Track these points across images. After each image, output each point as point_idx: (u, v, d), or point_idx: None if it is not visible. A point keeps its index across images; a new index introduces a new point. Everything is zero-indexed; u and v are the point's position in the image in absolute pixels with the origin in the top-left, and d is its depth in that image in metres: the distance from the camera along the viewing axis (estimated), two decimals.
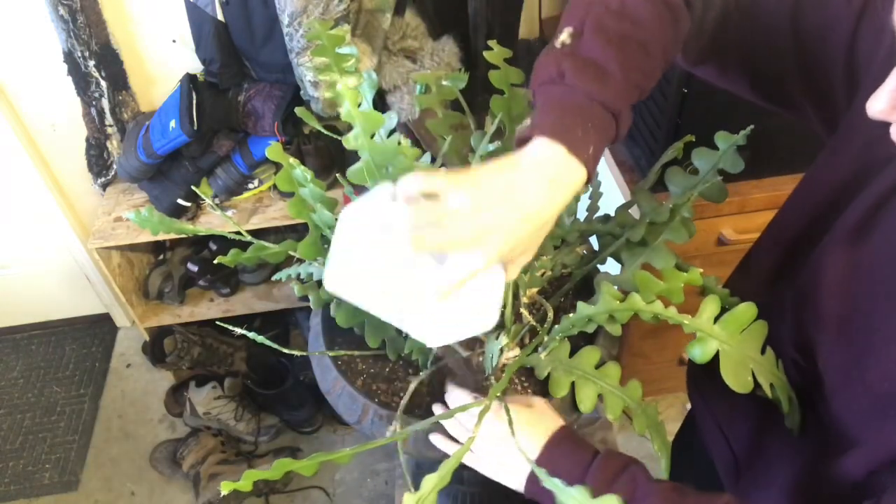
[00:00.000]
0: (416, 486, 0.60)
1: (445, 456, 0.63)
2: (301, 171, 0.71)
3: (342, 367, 0.84)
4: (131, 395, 2.00)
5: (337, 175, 0.83)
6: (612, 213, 0.86)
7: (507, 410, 0.68)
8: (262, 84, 1.57)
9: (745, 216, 1.20)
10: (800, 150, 1.10)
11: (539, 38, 1.65)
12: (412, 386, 0.78)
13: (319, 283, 0.80)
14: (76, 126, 1.66)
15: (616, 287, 0.66)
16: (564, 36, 0.55)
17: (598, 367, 0.76)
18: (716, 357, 0.63)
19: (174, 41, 1.60)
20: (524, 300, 0.85)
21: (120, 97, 1.63)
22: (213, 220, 1.68)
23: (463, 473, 0.87)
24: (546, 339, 0.78)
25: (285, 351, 0.81)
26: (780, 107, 0.68)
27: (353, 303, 0.55)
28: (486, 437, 0.68)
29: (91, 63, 1.52)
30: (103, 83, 1.57)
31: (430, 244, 0.47)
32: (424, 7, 1.47)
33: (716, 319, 0.63)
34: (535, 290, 0.86)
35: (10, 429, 1.96)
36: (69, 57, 1.51)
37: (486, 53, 0.82)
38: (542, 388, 0.79)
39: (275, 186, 1.71)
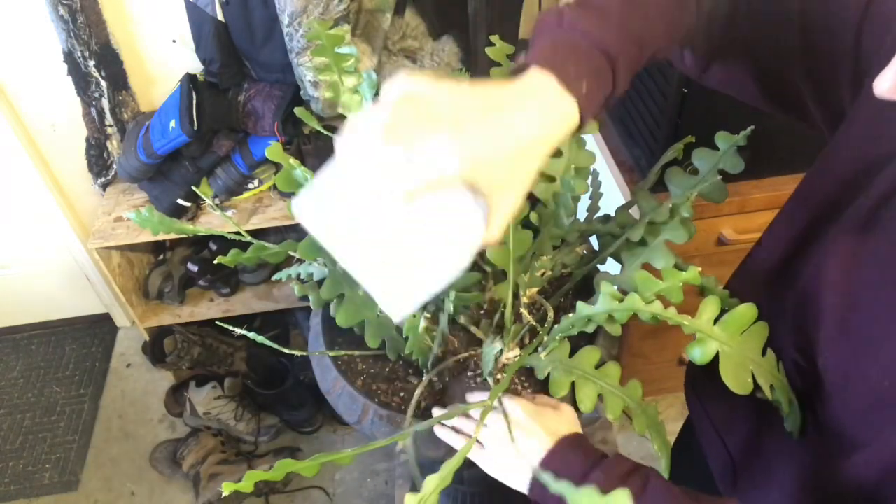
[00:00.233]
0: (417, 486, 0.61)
1: (447, 456, 0.63)
2: (301, 172, 0.71)
3: (342, 367, 0.84)
4: (131, 395, 2.00)
5: None
6: (612, 213, 0.86)
7: (506, 414, 0.68)
8: (262, 84, 1.58)
9: (745, 216, 1.20)
10: (800, 150, 1.10)
11: None
12: (418, 391, 0.78)
13: (319, 283, 0.80)
14: (76, 126, 1.65)
15: (616, 287, 0.66)
16: None
17: (597, 367, 0.76)
18: (715, 360, 0.63)
19: (174, 41, 1.60)
20: (524, 300, 0.85)
21: (120, 97, 1.63)
22: (213, 220, 1.68)
23: (464, 473, 0.87)
24: (546, 339, 0.78)
25: (285, 351, 0.81)
26: (785, 109, 0.68)
27: (316, 238, 0.52)
28: (494, 435, 0.68)
29: (91, 63, 1.52)
30: (103, 83, 1.57)
31: (403, 135, 0.44)
32: (424, 7, 1.47)
33: (716, 320, 0.63)
34: (535, 290, 0.86)
35: (10, 429, 1.96)
36: (69, 57, 1.51)
37: (488, 49, 0.82)
38: (542, 388, 0.79)
39: (275, 186, 1.70)
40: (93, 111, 1.61)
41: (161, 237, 1.89)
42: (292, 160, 0.72)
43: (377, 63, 1.42)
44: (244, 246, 0.80)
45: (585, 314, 0.68)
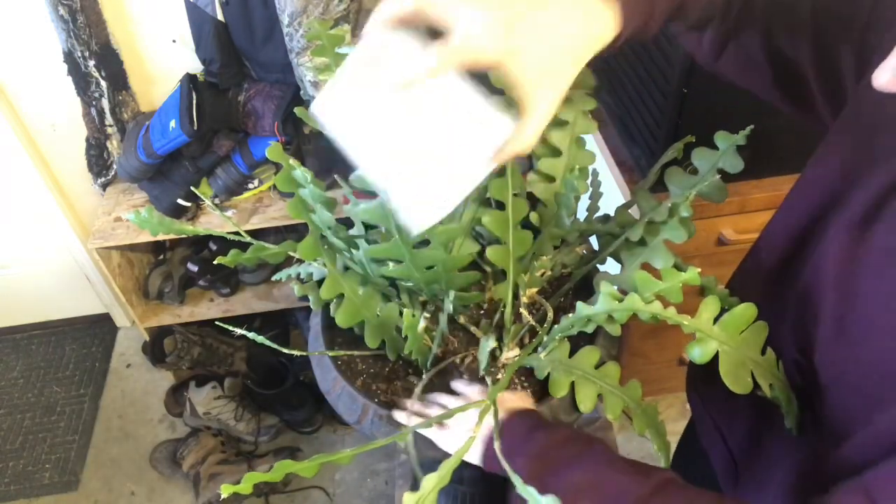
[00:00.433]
0: (417, 486, 0.61)
1: (446, 456, 0.63)
2: (301, 172, 0.71)
3: (342, 367, 0.84)
4: (131, 395, 2.00)
5: (336, 176, 0.83)
6: (612, 213, 0.86)
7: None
8: (262, 84, 1.57)
9: (745, 216, 1.20)
10: (800, 150, 1.09)
11: None
12: (417, 390, 0.78)
13: (319, 283, 0.80)
14: (76, 126, 1.65)
15: (615, 287, 0.66)
16: None
17: (597, 367, 0.76)
18: (715, 359, 0.63)
19: (174, 41, 1.60)
20: (524, 300, 0.85)
21: (120, 97, 1.63)
22: (213, 221, 1.68)
23: (463, 473, 0.88)
24: (546, 339, 0.78)
25: (285, 351, 0.81)
26: (792, 99, 0.68)
27: (336, 137, 0.50)
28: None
29: (91, 63, 1.52)
30: (103, 83, 1.57)
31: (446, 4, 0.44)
32: None
33: (716, 320, 0.63)
34: (534, 290, 0.86)
35: (10, 429, 1.96)
36: (69, 57, 1.51)
37: None
38: (541, 388, 0.79)
39: (275, 186, 1.71)
40: (93, 111, 1.61)
41: (161, 237, 1.89)
42: (292, 160, 0.72)
43: None
44: (244, 246, 0.80)
45: (585, 314, 0.68)
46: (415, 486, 0.60)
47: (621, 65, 1.25)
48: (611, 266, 0.84)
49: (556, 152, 0.86)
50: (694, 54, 0.71)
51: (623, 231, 0.80)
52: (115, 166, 1.73)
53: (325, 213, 0.73)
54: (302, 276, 0.86)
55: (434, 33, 0.48)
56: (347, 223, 0.80)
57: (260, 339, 0.77)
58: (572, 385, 0.75)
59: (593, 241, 0.91)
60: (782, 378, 0.65)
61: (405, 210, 0.51)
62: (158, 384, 2.01)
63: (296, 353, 0.81)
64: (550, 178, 0.87)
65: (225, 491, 0.53)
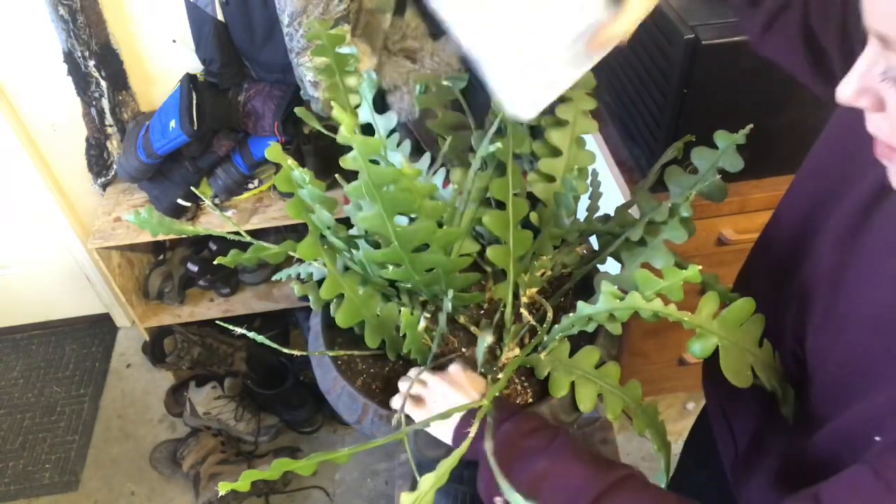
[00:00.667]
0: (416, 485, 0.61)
1: (445, 455, 0.63)
2: (300, 172, 0.71)
3: (342, 366, 0.84)
4: (131, 395, 2.00)
5: (336, 176, 0.83)
6: (612, 213, 0.86)
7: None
8: (262, 84, 1.57)
9: (745, 216, 1.20)
10: (800, 150, 1.10)
11: None
12: (406, 385, 0.78)
13: (319, 283, 0.80)
14: (76, 126, 1.66)
15: (616, 286, 0.66)
16: None
17: (597, 366, 0.76)
18: None
19: (174, 41, 1.60)
20: (524, 300, 0.85)
21: (120, 97, 1.63)
22: (213, 221, 1.68)
23: (462, 473, 0.88)
24: (546, 338, 0.78)
25: (285, 351, 0.81)
26: (824, 82, 0.68)
27: (447, 21, 0.52)
28: (433, 393, 0.74)
29: (91, 63, 1.52)
30: (103, 83, 1.57)
31: None
32: (424, 7, 1.47)
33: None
34: (534, 290, 0.86)
35: (10, 429, 1.96)
36: (69, 57, 1.51)
37: None
38: (542, 387, 0.79)
39: (275, 186, 1.70)
40: (93, 111, 1.61)
41: (161, 237, 1.89)
42: (291, 160, 0.72)
43: (377, 63, 1.42)
44: (244, 246, 0.80)
45: (586, 313, 0.68)
46: (414, 486, 0.60)
47: (621, 65, 1.25)
48: (611, 266, 0.84)
49: (556, 152, 0.86)
50: (744, 30, 0.73)
51: (623, 231, 0.80)
52: (115, 166, 1.73)
53: (324, 213, 0.73)
54: (302, 276, 0.86)
55: None
56: (347, 223, 0.80)
57: (260, 339, 0.77)
58: (572, 385, 0.75)
59: (593, 240, 0.91)
60: (779, 368, 0.67)
61: (509, 98, 0.53)
62: (158, 384, 2.01)
63: (296, 353, 0.81)
64: (550, 178, 0.87)
65: (223, 488, 0.53)
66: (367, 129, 0.87)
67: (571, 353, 0.77)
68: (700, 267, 0.62)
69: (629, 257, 0.79)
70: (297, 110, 0.85)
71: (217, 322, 0.91)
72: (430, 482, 0.59)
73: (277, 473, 0.55)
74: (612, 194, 1.26)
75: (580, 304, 0.69)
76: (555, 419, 0.76)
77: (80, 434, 1.93)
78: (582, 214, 0.86)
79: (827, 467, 0.59)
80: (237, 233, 0.83)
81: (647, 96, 1.15)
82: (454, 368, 0.77)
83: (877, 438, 0.53)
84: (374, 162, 0.62)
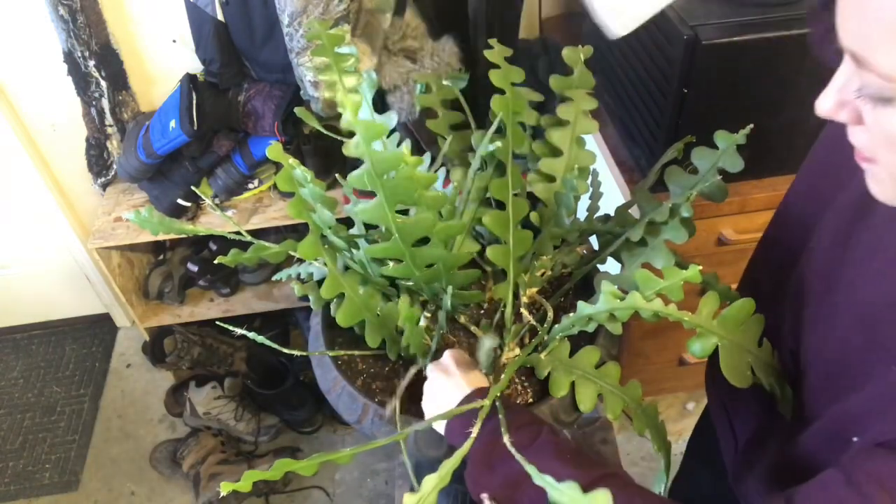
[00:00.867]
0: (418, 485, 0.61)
1: (446, 456, 0.63)
2: (301, 172, 0.71)
3: (342, 366, 0.84)
4: (131, 395, 2.00)
5: (337, 175, 0.83)
6: (612, 213, 0.86)
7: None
8: (262, 84, 1.57)
9: (745, 216, 1.20)
10: (800, 150, 1.10)
11: (539, 37, 1.65)
12: (411, 371, 0.78)
13: (319, 283, 0.80)
14: (76, 126, 1.65)
15: (616, 286, 0.66)
16: None
17: (597, 366, 0.76)
18: None
19: (174, 41, 1.60)
20: (524, 300, 0.85)
21: (120, 97, 1.63)
22: (213, 220, 1.68)
23: (462, 472, 0.87)
24: (546, 338, 0.78)
25: (285, 351, 0.81)
26: None
27: None
28: (430, 385, 0.75)
29: (91, 63, 1.52)
30: (103, 83, 1.57)
31: None
32: (424, 7, 1.47)
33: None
34: (535, 290, 0.86)
35: (10, 429, 1.96)
36: (69, 57, 1.51)
37: (486, 52, 0.82)
38: (542, 387, 0.79)
39: (275, 186, 1.71)
40: (93, 111, 1.61)
41: (161, 237, 1.89)
42: (292, 160, 0.72)
43: (377, 63, 1.42)
44: (244, 246, 0.80)
45: (587, 313, 0.68)
46: (413, 487, 0.60)
47: (621, 65, 1.25)
48: (611, 266, 0.84)
49: (556, 152, 0.86)
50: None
51: (623, 231, 0.80)
52: (115, 166, 1.73)
53: (325, 213, 0.73)
54: (302, 276, 0.86)
55: None
56: (347, 223, 0.80)
57: (260, 339, 0.77)
58: (572, 385, 0.75)
59: (593, 240, 0.91)
60: (778, 367, 0.67)
61: (606, 15, 0.53)
62: (158, 384, 2.01)
63: (296, 353, 0.81)
64: (550, 178, 0.87)
65: (224, 489, 0.53)
66: None
67: (571, 353, 0.77)
68: (700, 267, 0.62)
69: (629, 257, 0.79)
70: (297, 110, 0.85)
71: (217, 322, 0.92)
72: (432, 483, 0.59)
73: (279, 474, 0.55)
74: (612, 194, 1.26)
75: (580, 303, 0.69)
76: (555, 419, 0.76)
77: (80, 434, 1.93)
78: (582, 214, 0.86)
79: (814, 466, 0.59)
80: (237, 232, 0.83)
81: (647, 96, 1.15)
82: (445, 355, 0.77)
83: (854, 439, 0.53)
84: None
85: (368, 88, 0.85)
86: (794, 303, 0.66)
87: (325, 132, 0.88)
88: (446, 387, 0.73)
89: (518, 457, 0.60)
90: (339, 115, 0.76)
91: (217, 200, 1.66)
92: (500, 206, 0.82)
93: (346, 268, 0.80)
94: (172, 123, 1.47)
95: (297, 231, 1.83)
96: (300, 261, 0.83)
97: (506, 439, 0.64)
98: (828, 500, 0.50)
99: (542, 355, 0.77)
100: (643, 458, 1.72)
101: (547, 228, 0.86)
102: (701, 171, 0.77)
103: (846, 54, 0.43)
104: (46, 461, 1.88)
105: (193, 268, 1.89)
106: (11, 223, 1.88)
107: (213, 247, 1.91)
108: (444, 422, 0.71)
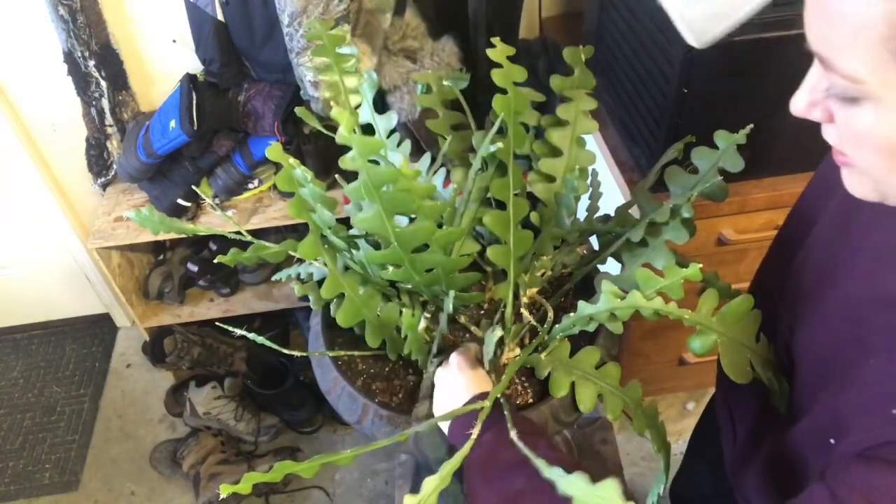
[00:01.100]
0: (417, 486, 0.61)
1: (446, 457, 0.63)
2: (301, 172, 0.71)
3: (342, 367, 0.84)
4: (131, 395, 2.00)
5: (336, 176, 0.83)
6: (612, 213, 0.86)
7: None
8: (262, 84, 1.57)
9: (745, 216, 1.20)
10: (800, 150, 1.10)
11: (539, 37, 1.65)
12: (426, 379, 0.78)
13: (319, 283, 0.80)
14: (76, 126, 1.65)
15: (616, 286, 0.66)
16: None
17: (598, 367, 0.76)
18: None
19: (174, 41, 1.60)
20: (524, 300, 0.85)
21: (120, 97, 1.63)
22: (213, 220, 1.68)
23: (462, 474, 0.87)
24: (546, 338, 0.78)
25: (285, 351, 0.81)
26: None
27: None
28: (438, 388, 0.75)
29: (91, 63, 1.52)
30: (103, 83, 1.57)
31: None
32: (424, 7, 1.47)
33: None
34: (535, 290, 0.86)
35: (10, 429, 1.96)
36: (69, 57, 1.51)
37: (488, 51, 0.82)
38: (542, 387, 0.79)
39: (275, 186, 1.70)
40: (93, 111, 1.61)
41: (161, 237, 1.89)
42: (292, 160, 0.72)
43: (377, 63, 1.42)
44: (244, 246, 0.80)
45: (587, 313, 0.68)
46: (415, 488, 0.60)
47: (621, 65, 1.25)
48: (611, 266, 0.84)
49: (556, 152, 0.86)
50: None
51: (623, 231, 0.80)
52: (115, 166, 1.73)
53: (325, 213, 0.73)
54: (302, 276, 0.86)
55: None
56: (347, 223, 0.80)
57: (260, 339, 0.77)
58: (572, 385, 0.75)
59: (593, 241, 0.91)
60: (775, 362, 0.68)
61: (689, 25, 0.54)
62: (158, 384, 2.00)
63: (296, 353, 0.81)
64: (550, 178, 0.87)
65: (224, 491, 0.53)
66: (368, 129, 0.87)
67: (572, 354, 0.77)
68: (700, 265, 0.62)
69: (630, 258, 0.79)
70: (297, 110, 0.85)
71: (217, 322, 0.92)
72: (433, 485, 0.59)
73: (279, 476, 0.55)
74: (612, 194, 1.26)
75: (581, 303, 0.69)
76: (555, 419, 0.76)
77: (80, 434, 1.93)
78: (582, 214, 0.86)
79: (805, 462, 0.60)
80: (237, 232, 0.83)
81: (647, 96, 1.15)
82: (451, 357, 0.77)
83: (832, 441, 0.54)
84: (374, 162, 0.62)
85: (368, 88, 0.85)
86: (792, 296, 0.67)
87: (325, 132, 0.88)
88: (452, 388, 0.73)
89: (526, 451, 0.60)
90: None
91: (217, 200, 1.66)
92: (501, 206, 0.82)
93: (346, 268, 0.80)
94: (172, 123, 1.47)
95: (297, 231, 1.83)
96: (300, 261, 0.83)
97: (513, 434, 0.64)
98: None
99: (543, 355, 0.77)
100: (643, 458, 1.72)
101: (547, 229, 0.86)
102: (701, 171, 0.77)
103: (816, 57, 0.44)
104: (46, 461, 1.88)
105: (193, 268, 1.89)
106: (11, 223, 1.88)
107: (213, 247, 1.91)
108: (448, 423, 0.71)
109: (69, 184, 1.81)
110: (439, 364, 0.80)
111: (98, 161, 1.71)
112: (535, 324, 0.82)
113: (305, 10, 1.32)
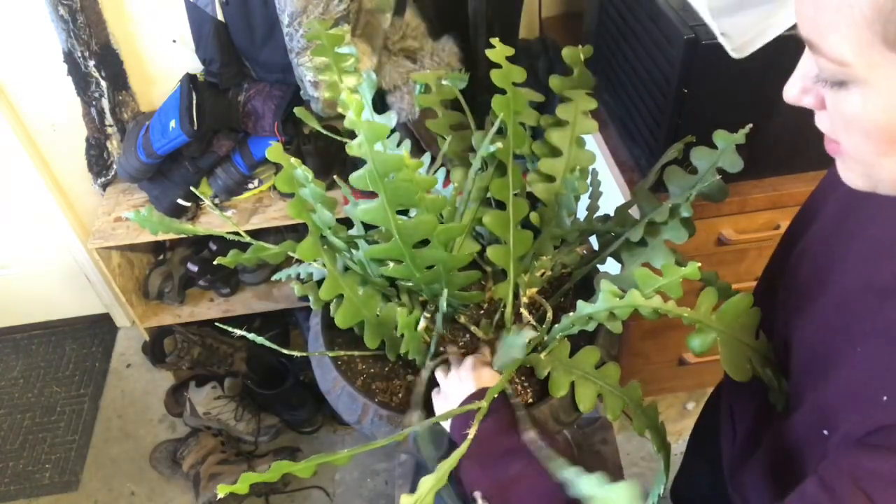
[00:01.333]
0: (415, 486, 0.61)
1: (445, 456, 0.63)
2: (301, 172, 0.71)
3: (342, 366, 0.84)
4: (131, 395, 2.00)
5: (335, 176, 0.83)
6: (612, 214, 0.86)
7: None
8: (262, 84, 1.57)
9: (745, 216, 1.19)
10: (800, 150, 1.10)
11: (539, 37, 1.65)
12: (418, 386, 0.78)
13: (319, 283, 0.80)
14: (76, 126, 1.65)
15: (616, 286, 0.66)
16: None
17: (597, 367, 0.76)
18: None
19: (174, 41, 1.60)
20: (524, 300, 0.85)
21: (120, 97, 1.63)
22: (213, 220, 1.68)
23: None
24: (546, 338, 0.78)
25: (285, 351, 0.81)
26: None
27: None
28: (444, 385, 0.76)
29: (91, 63, 1.52)
30: (103, 83, 1.57)
31: None
32: (424, 7, 1.47)
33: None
34: (534, 290, 0.86)
35: (10, 429, 1.96)
36: (69, 57, 1.51)
37: (488, 51, 0.82)
38: (542, 387, 0.79)
39: (275, 186, 1.70)
40: (93, 111, 1.61)
41: (161, 237, 1.89)
42: (292, 160, 0.72)
43: (377, 63, 1.42)
44: (244, 246, 0.80)
45: (587, 312, 0.68)
46: (415, 488, 0.60)
47: (621, 65, 1.25)
48: (611, 266, 0.84)
49: (556, 152, 0.86)
50: None
51: (623, 231, 0.80)
52: (115, 166, 1.73)
53: (325, 213, 0.73)
54: (302, 276, 0.86)
55: None
56: (347, 223, 0.80)
57: (260, 339, 0.77)
58: (572, 385, 0.75)
59: (593, 241, 0.91)
60: (773, 359, 0.68)
61: (730, 41, 0.54)
62: (158, 384, 2.00)
63: (296, 353, 0.81)
64: (550, 178, 0.87)
65: (221, 491, 0.53)
66: None
67: (571, 353, 0.77)
68: (699, 264, 0.62)
69: (629, 257, 0.79)
70: (297, 110, 0.85)
71: (217, 323, 0.92)
72: (429, 484, 0.59)
73: (277, 476, 0.55)
74: (612, 194, 1.26)
75: (580, 303, 0.69)
76: (555, 419, 0.76)
77: (80, 434, 1.93)
78: (582, 214, 0.86)
79: (800, 457, 0.60)
80: (237, 233, 0.83)
81: (647, 96, 1.15)
82: (467, 359, 0.78)
83: (825, 432, 0.54)
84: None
85: (368, 88, 0.85)
86: (788, 292, 0.67)
87: (325, 132, 0.88)
88: (456, 386, 0.74)
89: (546, 450, 0.60)
90: (339, 116, 0.76)
91: (217, 200, 1.66)
92: (501, 206, 0.82)
93: (346, 268, 0.80)
94: (172, 123, 1.47)
95: (297, 231, 1.83)
96: (300, 261, 0.83)
97: (532, 434, 0.64)
98: None
99: (542, 355, 0.77)
100: (643, 458, 1.72)
101: (547, 228, 0.86)
102: (701, 171, 0.77)
103: (805, 42, 0.45)
104: (46, 461, 1.88)
105: (193, 268, 1.89)
106: (11, 223, 1.88)
107: (213, 247, 1.91)
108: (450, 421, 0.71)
109: (69, 184, 1.82)
110: (435, 367, 0.80)
111: (98, 161, 1.71)
112: (534, 324, 0.82)
113: (305, 10, 1.32)
